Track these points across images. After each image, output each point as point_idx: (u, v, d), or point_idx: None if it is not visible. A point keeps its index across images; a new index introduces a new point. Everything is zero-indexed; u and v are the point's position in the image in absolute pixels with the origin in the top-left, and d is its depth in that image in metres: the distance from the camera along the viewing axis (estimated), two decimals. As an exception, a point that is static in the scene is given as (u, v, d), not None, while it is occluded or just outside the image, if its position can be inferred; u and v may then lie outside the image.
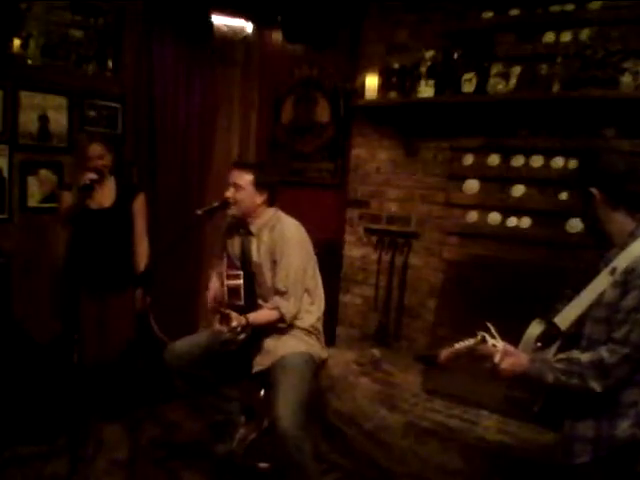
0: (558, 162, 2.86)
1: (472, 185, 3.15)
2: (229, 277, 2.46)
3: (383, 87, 3.30)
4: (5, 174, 3.16)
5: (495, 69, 2.90)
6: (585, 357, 1.55)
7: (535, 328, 1.73)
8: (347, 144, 3.75)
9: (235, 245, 2.57)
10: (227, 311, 2.24)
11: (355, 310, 3.69)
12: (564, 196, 2.85)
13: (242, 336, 2.27)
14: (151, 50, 3.58)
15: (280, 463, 2.21)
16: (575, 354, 1.58)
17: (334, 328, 3.69)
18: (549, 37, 2.85)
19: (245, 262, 2.51)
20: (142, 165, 3.61)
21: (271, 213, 2.50)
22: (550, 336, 1.69)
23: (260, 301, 2.48)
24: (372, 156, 3.59)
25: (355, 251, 3.69)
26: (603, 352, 1.52)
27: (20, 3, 3.10)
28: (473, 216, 3.16)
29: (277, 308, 2.37)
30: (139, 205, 2.95)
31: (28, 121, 3.21)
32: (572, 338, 1.65)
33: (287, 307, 2.37)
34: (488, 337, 1.65)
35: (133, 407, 2.76)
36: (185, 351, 2.44)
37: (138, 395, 2.71)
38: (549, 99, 2.76)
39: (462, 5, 3.14)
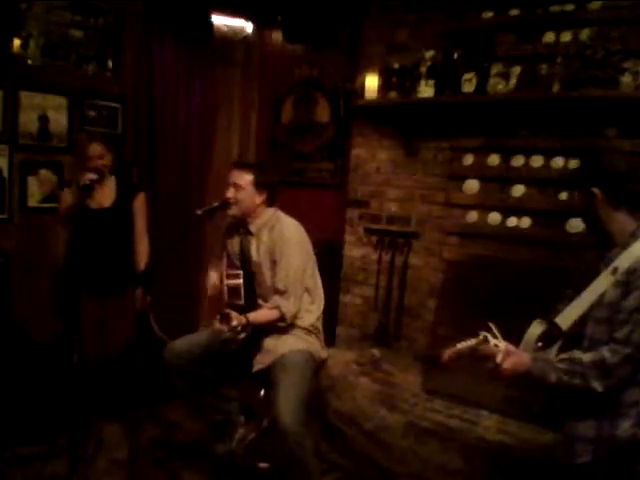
0: (558, 162, 2.86)
1: (472, 185, 3.15)
2: (229, 277, 2.46)
3: (383, 87, 3.30)
4: (5, 174, 3.16)
5: (495, 69, 2.90)
6: (587, 357, 1.55)
7: (536, 328, 1.73)
8: (347, 144, 3.75)
9: (235, 245, 2.57)
10: (227, 310, 2.24)
11: (355, 310, 3.69)
12: (564, 196, 2.85)
13: (242, 335, 2.26)
14: (151, 50, 3.58)
15: (281, 460, 2.20)
16: (577, 354, 1.58)
17: (334, 328, 3.69)
18: (549, 37, 2.85)
19: (245, 262, 2.51)
20: (142, 165, 3.60)
21: (270, 213, 2.50)
22: (551, 336, 1.69)
23: (260, 301, 2.49)
24: (372, 156, 3.59)
25: (355, 251, 3.69)
26: (605, 352, 1.52)
27: (20, 3, 3.10)
28: (473, 216, 3.16)
29: (277, 307, 2.38)
30: (139, 205, 2.95)
31: (28, 121, 3.21)
32: (573, 338, 1.65)
33: (287, 306, 2.37)
34: (490, 337, 1.65)
35: (133, 407, 2.77)
36: (185, 350, 2.44)
37: (138, 395, 2.72)
38: (549, 99, 2.76)
39: (462, 5, 3.14)
